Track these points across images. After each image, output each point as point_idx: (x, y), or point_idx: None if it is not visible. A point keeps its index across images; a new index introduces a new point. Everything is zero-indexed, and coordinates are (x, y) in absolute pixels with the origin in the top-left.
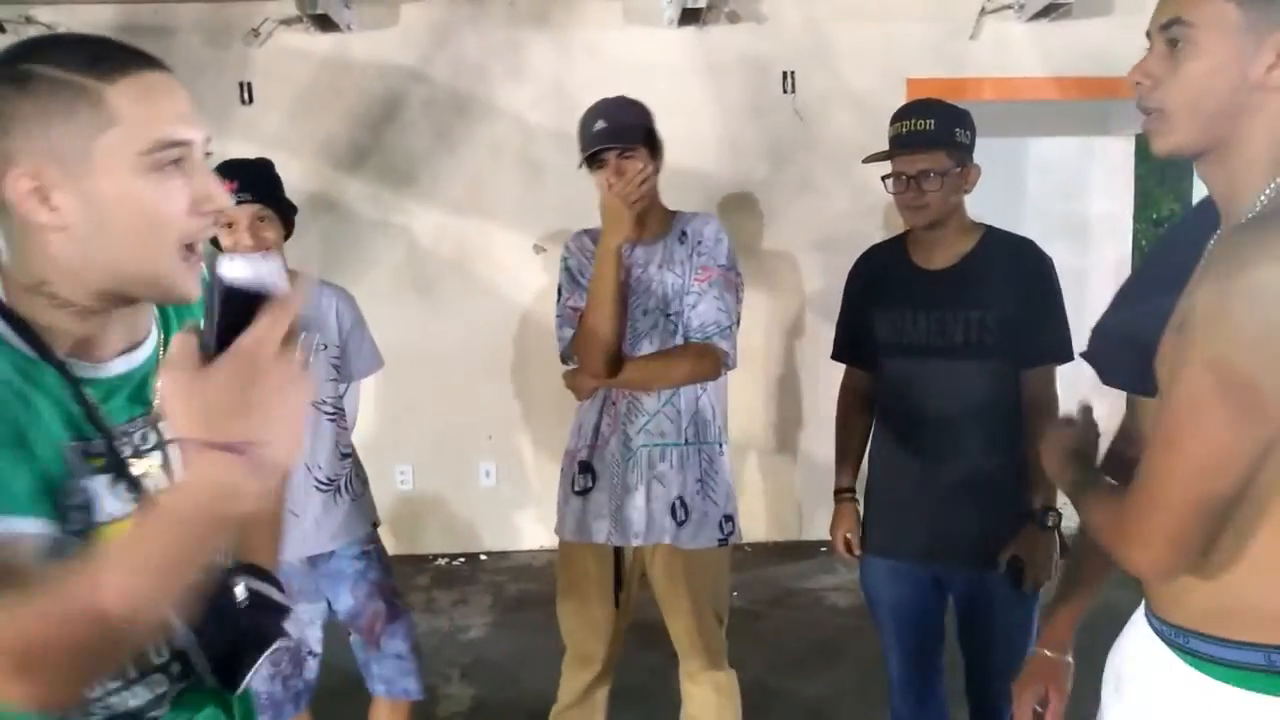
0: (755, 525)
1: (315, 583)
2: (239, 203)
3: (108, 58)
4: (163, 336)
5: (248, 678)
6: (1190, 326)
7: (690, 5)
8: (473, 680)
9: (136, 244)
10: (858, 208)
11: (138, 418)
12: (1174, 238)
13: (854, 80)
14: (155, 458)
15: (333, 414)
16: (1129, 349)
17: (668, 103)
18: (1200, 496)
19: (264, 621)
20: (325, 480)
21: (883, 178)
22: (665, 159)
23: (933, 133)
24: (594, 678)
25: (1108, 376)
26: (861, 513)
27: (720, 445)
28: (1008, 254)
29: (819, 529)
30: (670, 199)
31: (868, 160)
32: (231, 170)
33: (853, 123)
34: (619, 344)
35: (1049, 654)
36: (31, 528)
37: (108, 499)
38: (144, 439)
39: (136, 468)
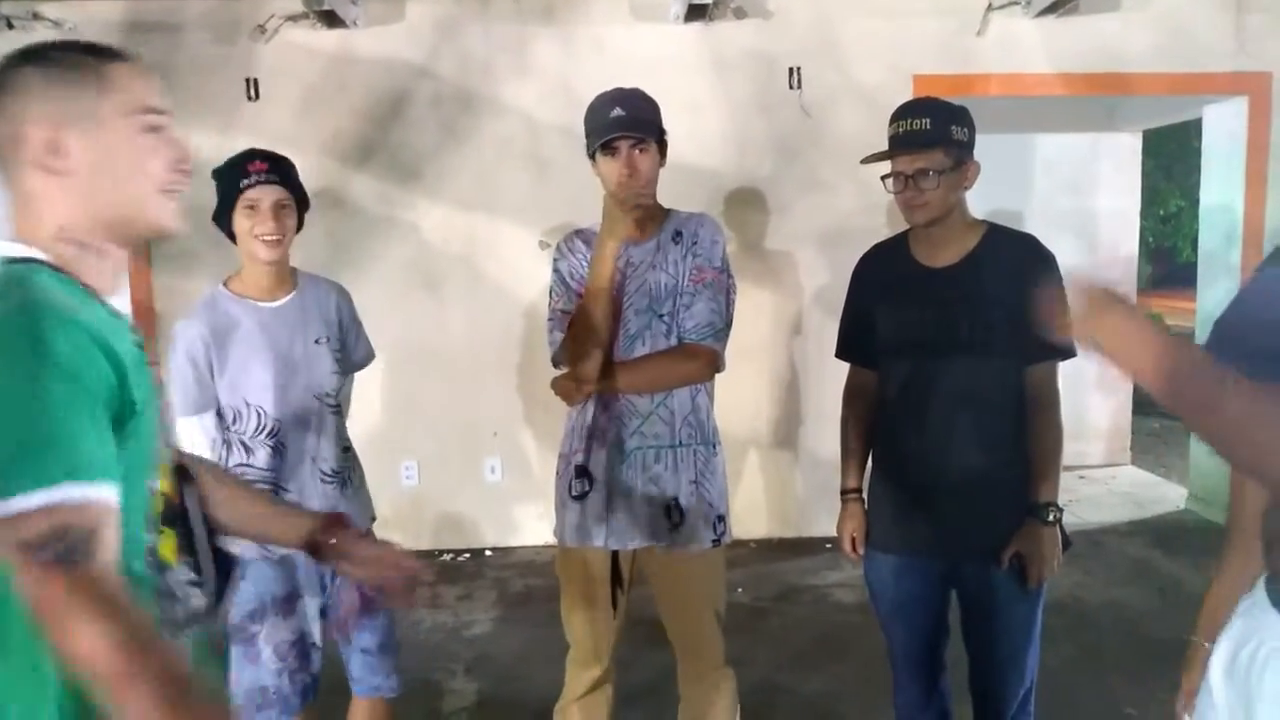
0: (757, 522)
1: (319, 574)
2: (267, 183)
3: (102, 50)
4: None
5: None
6: None
7: (696, 1)
8: (477, 675)
9: (129, 187)
10: (863, 204)
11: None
12: None
13: (861, 76)
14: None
15: (335, 407)
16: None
17: (674, 99)
18: None
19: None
20: (331, 472)
21: (882, 177)
22: (672, 155)
23: (929, 132)
24: (599, 676)
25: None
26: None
27: (715, 445)
28: (1010, 250)
29: (821, 525)
30: (676, 195)
31: (866, 161)
32: (261, 154)
33: (859, 119)
34: (608, 348)
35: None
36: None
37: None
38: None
39: None
